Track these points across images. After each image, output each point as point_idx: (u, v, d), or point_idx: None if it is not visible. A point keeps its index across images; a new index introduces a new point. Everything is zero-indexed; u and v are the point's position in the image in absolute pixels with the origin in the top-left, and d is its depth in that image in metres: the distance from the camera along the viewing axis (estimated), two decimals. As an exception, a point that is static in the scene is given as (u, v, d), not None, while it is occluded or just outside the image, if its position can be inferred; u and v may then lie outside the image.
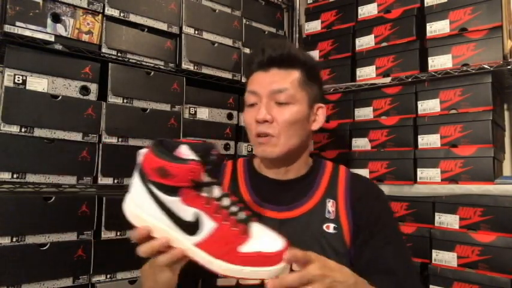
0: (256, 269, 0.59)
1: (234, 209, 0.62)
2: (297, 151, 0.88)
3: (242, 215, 0.62)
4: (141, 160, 0.61)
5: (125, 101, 1.32)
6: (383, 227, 0.84)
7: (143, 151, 0.61)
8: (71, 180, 1.20)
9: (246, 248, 0.59)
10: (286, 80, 0.84)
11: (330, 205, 0.85)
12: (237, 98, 1.62)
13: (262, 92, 0.84)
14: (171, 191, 0.58)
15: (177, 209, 0.59)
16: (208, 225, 0.59)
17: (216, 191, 0.61)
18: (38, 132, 1.14)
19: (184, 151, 0.60)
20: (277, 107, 0.84)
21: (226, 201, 0.62)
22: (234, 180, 0.92)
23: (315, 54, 1.76)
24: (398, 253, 0.83)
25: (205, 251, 0.60)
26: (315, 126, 0.90)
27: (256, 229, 0.63)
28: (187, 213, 0.59)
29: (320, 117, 0.91)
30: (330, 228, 0.83)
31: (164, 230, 0.60)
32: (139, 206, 0.62)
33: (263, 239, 0.61)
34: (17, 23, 1.12)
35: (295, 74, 0.86)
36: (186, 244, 0.60)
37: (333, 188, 0.88)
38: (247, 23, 1.70)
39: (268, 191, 0.88)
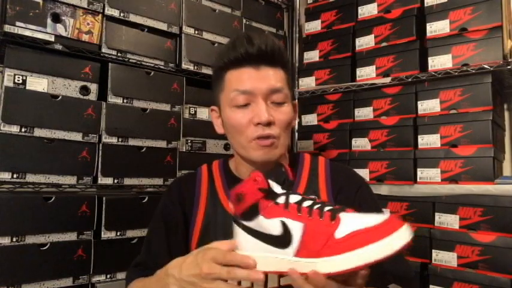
0: (363, 249, 0.50)
1: (316, 205, 0.57)
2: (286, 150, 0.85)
3: (325, 207, 0.57)
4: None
5: (124, 101, 1.32)
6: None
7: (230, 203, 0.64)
8: (71, 180, 1.20)
9: (341, 231, 0.53)
10: (279, 78, 0.80)
11: None
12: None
13: (257, 91, 0.78)
14: (252, 213, 0.58)
15: (264, 227, 0.58)
16: (297, 228, 0.55)
17: (294, 197, 0.59)
18: (38, 132, 1.14)
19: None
20: (274, 108, 0.80)
21: (306, 203, 0.58)
22: (211, 186, 0.87)
23: (315, 54, 1.76)
24: None
25: (305, 256, 0.55)
26: (294, 122, 0.89)
27: (346, 215, 0.56)
28: (273, 226, 0.57)
29: (295, 114, 0.89)
30: None
31: (266, 257, 0.58)
32: (249, 250, 0.60)
33: (357, 219, 0.54)
34: (17, 23, 1.12)
35: (281, 73, 0.81)
36: (289, 259, 0.56)
37: (314, 182, 0.85)
38: (247, 23, 1.70)
39: None
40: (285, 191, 0.60)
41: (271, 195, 0.59)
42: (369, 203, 0.86)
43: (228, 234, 0.79)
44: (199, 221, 0.85)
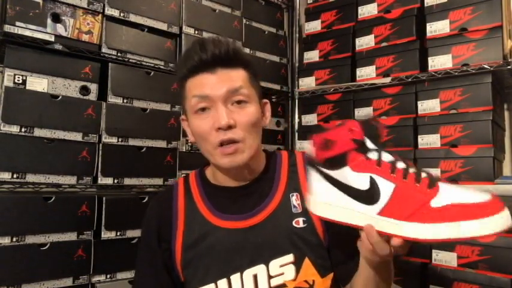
0: (460, 223, 0.49)
1: (411, 169, 0.55)
2: (257, 152, 0.82)
3: (422, 172, 0.55)
4: (310, 153, 0.61)
5: (124, 101, 1.32)
6: None
7: (309, 146, 0.61)
8: (71, 180, 1.20)
9: (439, 201, 0.51)
10: (237, 79, 0.78)
11: (295, 199, 0.81)
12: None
13: (215, 94, 0.75)
14: (339, 162, 0.56)
15: (350, 179, 0.56)
16: (387, 188, 0.54)
17: (386, 155, 0.57)
18: (38, 132, 1.14)
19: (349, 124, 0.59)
20: (235, 109, 0.77)
21: (400, 164, 0.56)
22: (189, 199, 0.85)
23: (315, 54, 1.76)
24: None
25: (391, 216, 0.53)
26: (265, 122, 0.85)
27: (445, 185, 0.54)
28: (361, 181, 0.55)
29: (267, 113, 0.86)
30: (299, 223, 0.79)
31: (345, 208, 0.58)
32: (324, 197, 0.60)
33: (457, 192, 0.53)
34: (17, 23, 1.12)
35: (242, 73, 0.79)
36: (370, 215, 0.56)
37: (294, 180, 0.84)
38: (247, 23, 1.70)
39: (227, 201, 0.82)
40: (377, 147, 0.57)
41: (363, 148, 0.56)
42: None
43: (211, 245, 0.79)
44: (179, 238, 0.83)
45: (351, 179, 0.57)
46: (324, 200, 0.61)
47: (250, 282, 0.77)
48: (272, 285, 0.76)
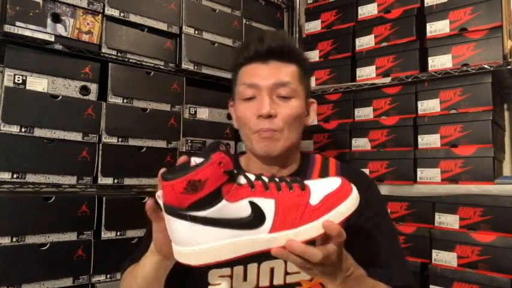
0: (338, 209, 0.57)
1: (281, 181, 0.58)
2: (293, 147, 0.84)
3: (288, 180, 0.59)
4: (161, 199, 0.54)
5: (124, 101, 1.32)
6: (375, 219, 0.82)
7: (158, 193, 0.55)
8: (71, 180, 1.20)
9: (315, 198, 0.57)
10: (287, 73, 0.81)
11: None
12: (237, 98, 1.62)
13: (263, 84, 0.80)
14: (213, 200, 0.53)
15: (230, 213, 0.54)
16: (268, 206, 0.55)
17: (251, 176, 0.57)
18: (38, 132, 1.14)
19: (195, 160, 0.55)
20: (279, 101, 0.80)
21: (267, 179, 0.57)
22: None
23: (315, 54, 1.76)
24: (390, 246, 0.82)
25: (284, 229, 0.55)
26: (309, 121, 0.88)
27: (310, 183, 0.60)
28: (241, 209, 0.54)
29: (312, 113, 0.89)
30: None
31: (233, 242, 0.55)
32: (204, 243, 0.54)
33: (321, 185, 0.59)
34: (17, 23, 1.12)
35: (293, 68, 0.83)
36: (263, 237, 0.55)
37: None
38: (247, 23, 1.70)
39: None
40: (239, 171, 0.56)
41: (232, 177, 0.54)
42: (377, 202, 0.87)
43: None
44: None
45: (230, 211, 0.54)
46: (207, 245, 0.54)
47: (266, 274, 0.77)
48: (287, 281, 0.77)
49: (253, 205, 0.55)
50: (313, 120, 0.89)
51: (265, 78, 0.80)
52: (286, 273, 0.77)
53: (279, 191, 0.57)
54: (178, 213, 0.53)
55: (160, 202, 0.55)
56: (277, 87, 0.80)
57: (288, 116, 0.80)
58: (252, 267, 0.78)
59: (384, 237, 0.81)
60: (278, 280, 0.77)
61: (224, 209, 0.53)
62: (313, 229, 0.56)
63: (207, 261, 0.55)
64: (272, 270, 0.77)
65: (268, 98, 0.79)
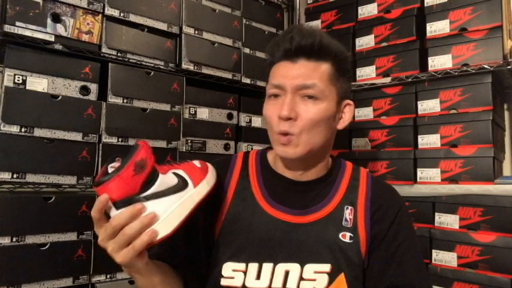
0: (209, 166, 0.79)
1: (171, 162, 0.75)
2: (318, 151, 0.81)
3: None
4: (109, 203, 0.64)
5: (124, 101, 1.32)
6: (402, 240, 0.81)
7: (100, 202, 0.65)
8: (71, 180, 1.20)
9: (196, 163, 0.77)
10: (316, 73, 0.77)
11: (348, 212, 0.80)
12: (237, 98, 1.62)
13: (287, 85, 0.77)
14: (153, 177, 0.65)
15: (167, 183, 0.67)
16: (181, 173, 0.72)
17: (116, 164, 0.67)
18: (38, 132, 1.14)
19: (112, 165, 0.65)
20: (303, 103, 0.77)
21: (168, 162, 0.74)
22: (244, 175, 0.85)
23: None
24: (417, 268, 0.81)
25: (199, 182, 0.73)
26: (341, 125, 0.83)
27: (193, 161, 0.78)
28: (172, 178, 0.70)
29: (347, 115, 0.83)
30: (346, 237, 0.78)
31: (181, 202, 0.68)
32: (164, 211, 0.65)
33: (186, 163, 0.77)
34: (17, 23, 1.12)
35: (325, 67, 0.78)
36: (194, 191, 0.71)
37: (353, 194, 0.83)
38: (247, 23, 1.70)
39: (282, 191, 0.82)
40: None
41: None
42: (407, 225, 0.86)
43: (254, 226, 0.79)
44: (225, 206, 0.82)
45: (167, 181, 0.67)
46: (166, 214, 0.65)
47: (280, 276, 0.76)
48: (301, 286, 0.75)
49: (176, 174, 0.70)
50: (345, 123, 0.83)
51: (290, 79, 0.77)
52: (301, 278, 0.76)
53: (179, 164, 0.74)
54: (133, 200, 0.62)
55: (112, 212, 0.63)
56: (301, 88, 0.77)
57: (310, 120, 0.76)
58: (267, 267, 0.76)
59: (412, 261, 0.82)
60: (291, 284, 0.75)
61: (163, 181, 0.66)
62: (208, 180, 0.74)
63: (174, 225, 0.65)
64: (287, 273, 0.76)
65: (291, 100, 0.76)
